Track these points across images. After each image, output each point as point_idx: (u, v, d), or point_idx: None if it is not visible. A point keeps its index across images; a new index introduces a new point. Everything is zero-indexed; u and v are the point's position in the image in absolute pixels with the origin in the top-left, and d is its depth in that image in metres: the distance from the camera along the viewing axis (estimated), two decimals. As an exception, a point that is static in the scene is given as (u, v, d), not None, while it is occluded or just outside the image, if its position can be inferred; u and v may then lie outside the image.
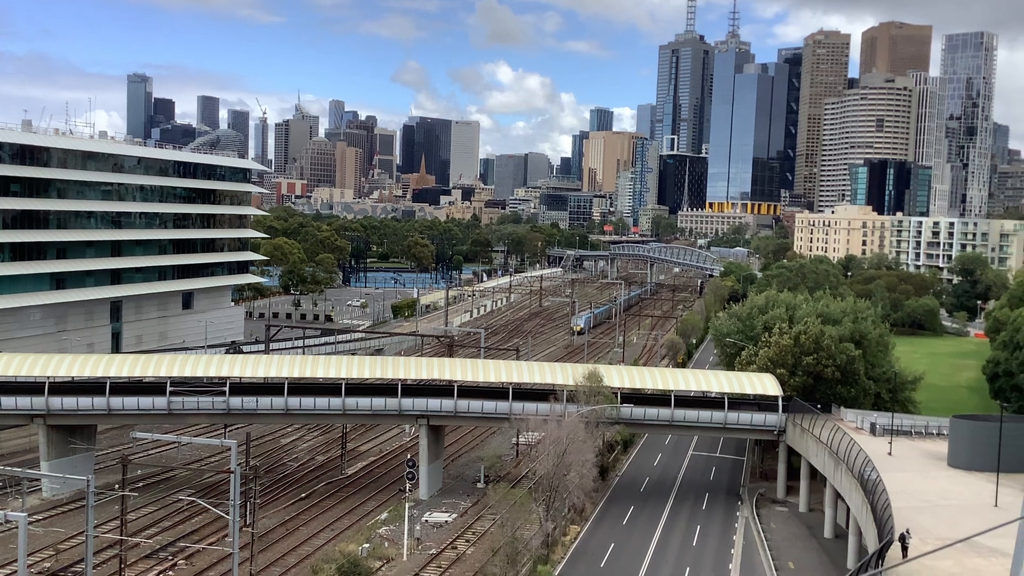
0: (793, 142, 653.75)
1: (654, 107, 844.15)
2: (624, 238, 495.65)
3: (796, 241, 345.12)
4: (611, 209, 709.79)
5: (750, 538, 69.55)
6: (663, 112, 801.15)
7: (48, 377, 74.97)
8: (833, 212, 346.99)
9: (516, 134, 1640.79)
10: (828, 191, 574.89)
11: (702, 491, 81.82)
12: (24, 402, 74.62)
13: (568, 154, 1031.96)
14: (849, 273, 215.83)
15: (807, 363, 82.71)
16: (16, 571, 49.14)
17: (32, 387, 75.09)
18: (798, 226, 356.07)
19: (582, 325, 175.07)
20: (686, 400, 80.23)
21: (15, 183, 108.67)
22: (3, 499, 70.09)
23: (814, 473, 74.48)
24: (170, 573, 61.10)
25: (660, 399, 79.81)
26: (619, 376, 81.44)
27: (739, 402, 79.78)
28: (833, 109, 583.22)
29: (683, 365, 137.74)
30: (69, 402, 75.05)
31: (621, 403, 77.81)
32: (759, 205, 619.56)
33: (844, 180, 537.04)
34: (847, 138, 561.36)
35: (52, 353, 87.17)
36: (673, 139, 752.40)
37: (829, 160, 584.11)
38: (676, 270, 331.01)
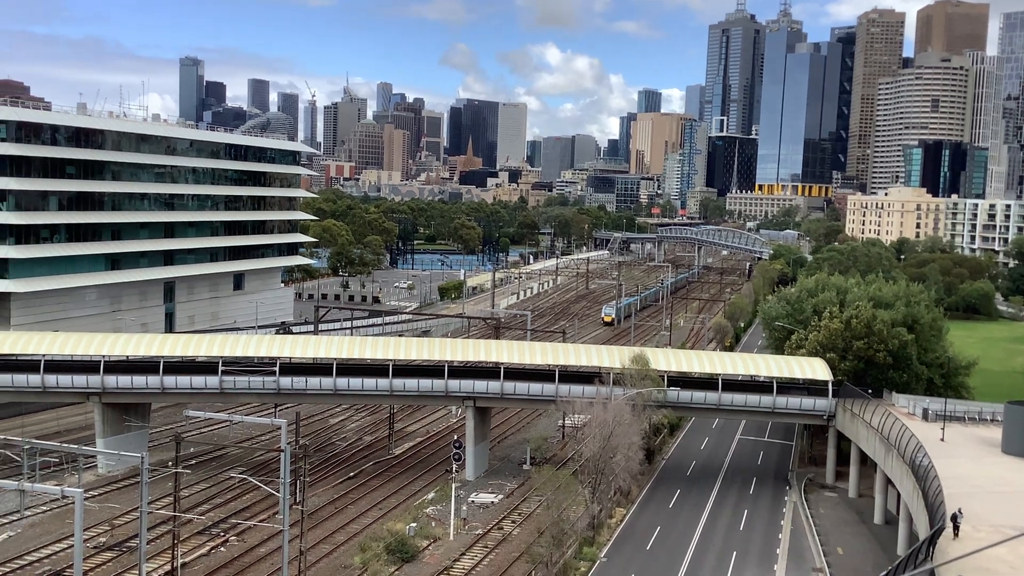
0: (846, 123, 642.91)
1: (703, 88, 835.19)
2: (671, 221, 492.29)
3: (848, 224, 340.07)
4: (659, 191, 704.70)
5: (798, 523, 69.03)
6: (713, 93, 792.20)
7: (103, 356, 76.54)
8: (886, 194, 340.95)
9: (564, 116, 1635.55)
10: (881, 173, 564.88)
11: (749, 475, 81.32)
12: (80, 380, 76.34)
13: (616, 136, 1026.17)
14: (902, 256, 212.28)
15: (858, 347, 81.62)
16: (73, 545, 50.44)
17: (88, 365, 76.74)
18: (850, 208, 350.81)
19: (613, 315, 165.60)
20: (734, 384, 79.66)
21: (71, 165, 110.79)
22: (60, 475, 71.82)
23: (864, 458, 73.62)
24: (222, 549, 62.27)
25: (707, 383, 79.33)
26: (666, 359, 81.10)
27: (788, 386, 79.00)
28: (887, 89, 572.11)
29: (731, 349, 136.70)
30: (124, 380, 76.62)
31: (668, 386, 77.47)
32: (810, 187, 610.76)
33: (898, 161, 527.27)
34: (901, 119, 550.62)
35: (107, 332, 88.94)
36: (722, 120, 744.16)
37: (883, 141, 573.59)
38: (724, 253, 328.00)
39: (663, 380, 77.20)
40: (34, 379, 75.95)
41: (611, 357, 79.69)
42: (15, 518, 65.35)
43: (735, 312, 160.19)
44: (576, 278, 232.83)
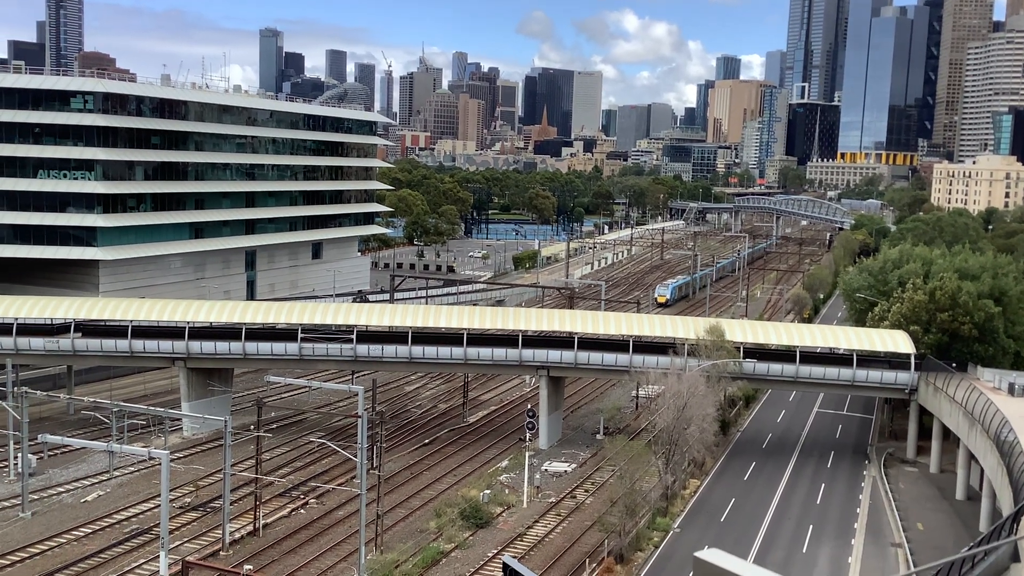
0: (932, 89, 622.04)
1: (784, 54, 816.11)
2: (749, 190, 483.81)
3: (934, 193, 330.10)
4: (736, 160, 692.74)
5: (877, 498, 67.92)
6: (793, 59, 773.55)
7: (188, 322, 78.69)
8: (974, 162, 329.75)
9: (640, 84, 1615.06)
10: (969, 140, 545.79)
11: (827, 449, 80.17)
12: (166, 345, 78.67)
13: (692, 104, 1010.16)
14: (990, 227, 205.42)
15: (942, 320, 79.54)
16: (159, 505, 52.28)
17: (173, 331, 78.99)
18: (936, 177, 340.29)
19: (668, 296, 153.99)
20: (812, 356, 78.40)
21: (156, 136, 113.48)
22: (147, 437, 74.30)
23: (947, 433, 71.97)
24: (301, 511, 63.83)
25: (784, 355, 78.20)
26: (742, 330, 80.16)
27: (868, 359, 77.47)
28: (976, 54, 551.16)
29: (809, 320, 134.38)
30: (208, 346, 78.71)
31: (744, 358, 76.62)
32: (894, 155, 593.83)
33: (987, 129, 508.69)
34: (991, 84, 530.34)
35: (191, 299, 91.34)
36: (803, 87, 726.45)
37: (971, 108, 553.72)
38: (803, 223, 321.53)
39: (739, 351, 76.36)
40: (122, 344, 78.50)
41: (686, 328, 79.06)
42: (104, 478, 67.91)
43: (814, 283, 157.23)
44: (651, 248, 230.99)
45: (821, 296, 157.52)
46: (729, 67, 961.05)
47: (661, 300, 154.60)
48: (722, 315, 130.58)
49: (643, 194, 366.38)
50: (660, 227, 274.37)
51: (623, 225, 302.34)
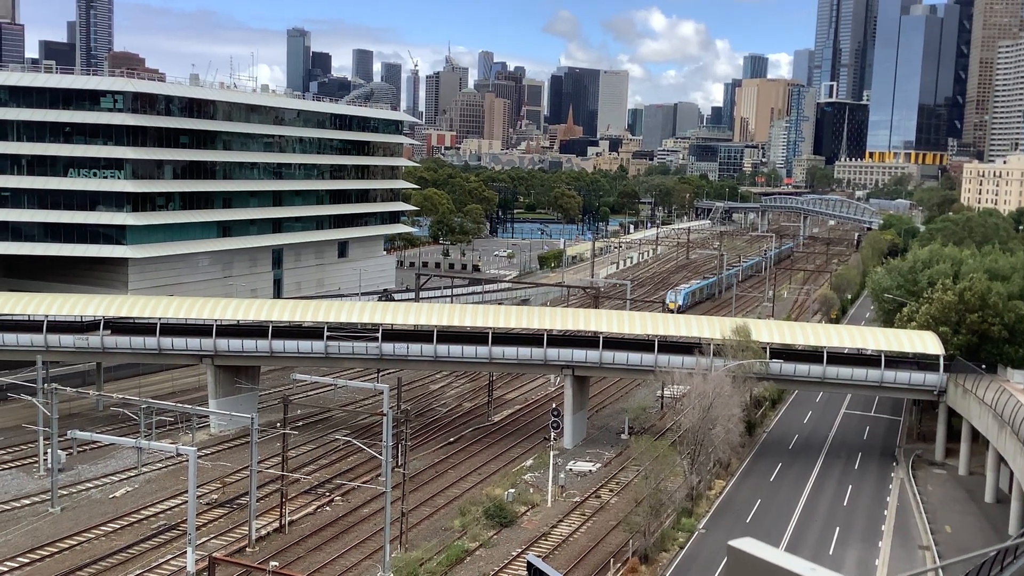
0: (963, 88, 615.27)
1: (812, 52, 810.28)
2: (776, 190, 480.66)
3: (963, 193, 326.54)
4: (763, 160, 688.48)
5: (905, 500, 67.32)
6: (822, 57, 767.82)
7: (216, 320, 79.27)
8: (1005, 162, 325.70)
9: (666, 83, 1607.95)
10: (1000, 140, 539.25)
11: (855, 450, 79.55)
12: (194, 343, 79.29)
13: (719, 103, 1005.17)
14: (1021, 227, 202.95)
15: (972, 321, 78.71)
16: (187, 501, 52.71)
17: (201, 329, 79.61)
18: (966, 177, 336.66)
19: (680, 302, 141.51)
20: (839, 357, 77.81)
21: (184, 135, 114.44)
22: (174, 434, 74.93)
23: (976, 435, 71.19)
24: (327, 508, 64.13)
25: (811, 355, 77.66)
26: (768, 331, 79.70)
27: (896, 360, 76.79)
28: (1008, 52, 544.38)
29: (837, 321, 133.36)
30: (235, 344, 79.27)
31: (770, 358, 76.17)
32: (923, 155, 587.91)
33: (1018, 128, 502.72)
34: (1022, 83, 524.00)
35: (219, 297, 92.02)
36: (832, 85, 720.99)
37: (1002, 107, 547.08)
38: (831, 223, 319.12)
39: (765, 352, 75.93)
40: (151, 341, 79.22)
41: (712, 328, 78.71)
42: (133, 474, 68.56)
43: (842, 283, 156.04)
44: (677, 248, 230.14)
45: (849, 296, 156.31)
46: (756, 66, 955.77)
47: (672, 307, 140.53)
48: (748, 315, 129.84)
49: (669, 193, 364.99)
50: (686, 227, 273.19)
51: (649, 225, 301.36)
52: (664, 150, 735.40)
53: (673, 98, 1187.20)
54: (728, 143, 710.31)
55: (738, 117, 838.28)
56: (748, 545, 5.40)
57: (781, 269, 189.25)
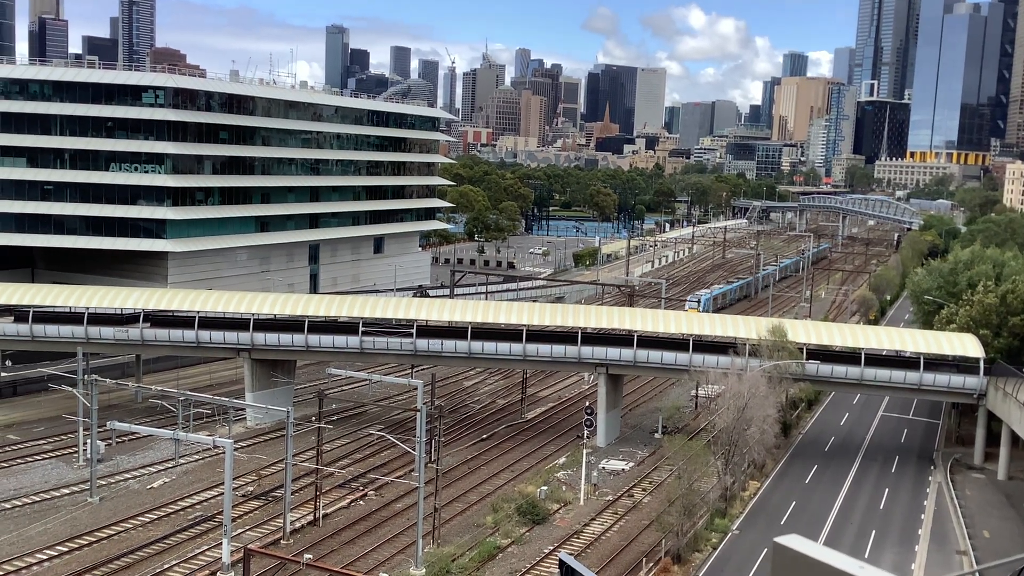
0: (1006, 87, 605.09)
1: (853, 50, 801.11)
2: (815, 189, 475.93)
3: (1006, 193, 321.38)
4: (802, 159, 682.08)
5: (942, 504, 66.46)
6: (862, 56, 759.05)
7: (253, 314, 80.00)
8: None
9: (704, 81, 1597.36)
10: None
11: (892, 453, 78.65)
12: (232, 337, 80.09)
13: (758, 102, 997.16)
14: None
15: (1014, 324, 77.52)
16: (223, 493, 53.29)
17: (239, 323, 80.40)
18: (1009, 177, 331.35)
19: (700, 309, 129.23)
20: (877, 359, 76.93)
21: (224, 131, 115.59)
22: (211, 426, 75.73)
23: (1016, 439, 70.10)
24: (360, 502, 64.56)
25: (849, 357, 76.87)
26: (805, 331, 79.01)
27: (936, 362, 75.80)
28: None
29: (875, 322, 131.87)
30: (271, 338, 79.96)
31: (807, 359, 75.51)
32: (965, 155, 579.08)
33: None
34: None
35: (256, 292, 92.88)
36: (872, 84, 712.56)
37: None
38: (870, 223, 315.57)
39: (801, 352, 75.28)
40: (189, 334, 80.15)
41: (747, 327, 78.17)
42: (170, 465, 69.43)
43: (880, 284, 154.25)
44: (712, 247, 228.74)
45: (888, 298, 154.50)
46: (796, 64, 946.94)
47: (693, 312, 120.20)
48: (785, 315, 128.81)
49: (706, 192, 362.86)
50: (722, 225, 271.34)
51: (684, 223, 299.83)
52: (701, 148, 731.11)
53: (711, 96, 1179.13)
54: (766, 142, 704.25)
55: (777, 115, 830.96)
56: (794, 542, 5.31)
57: (819, 269, 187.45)
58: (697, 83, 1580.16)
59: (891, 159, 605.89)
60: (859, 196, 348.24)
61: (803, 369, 75.08)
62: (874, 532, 60.38)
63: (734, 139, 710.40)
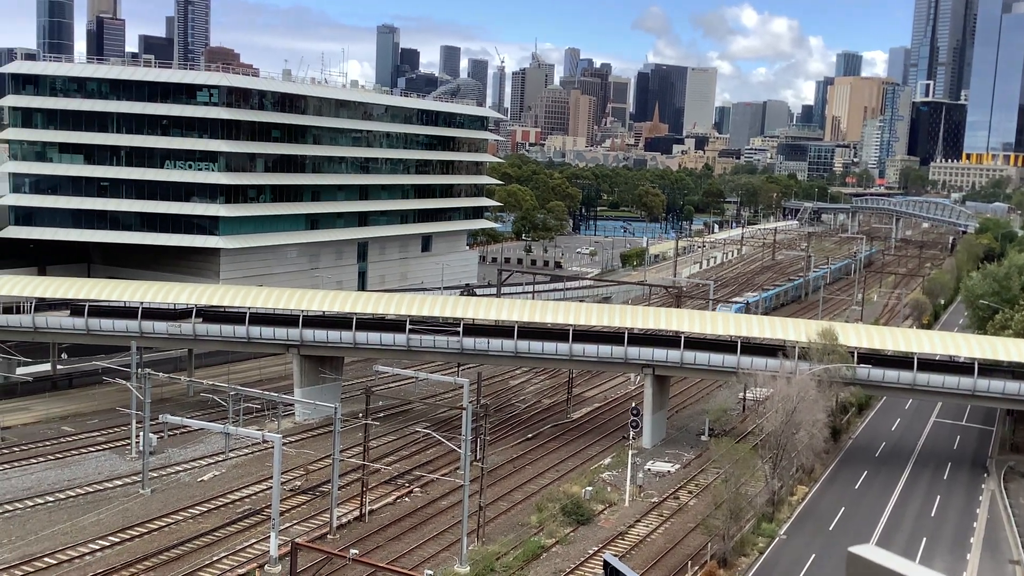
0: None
1: (908, 50, 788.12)
2: (868, 191, 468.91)
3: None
4: (855, 160, 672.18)
5: (995, 512, 65.14)
6: (918, 56, 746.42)
7: (302, 311, 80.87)
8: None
9: (756, 81, 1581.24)
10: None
11: (944, 460, 77.26)
12: (281, 333, 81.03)
13: (810, 102, 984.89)
14: None
15: (1072, 330, 75.69)
16: (271, 487, 53.94)
17: (288, 319, 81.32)
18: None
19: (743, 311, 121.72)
20: (931, 364, 75.60)
21: (276, 129, 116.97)
22: (261, 420, 76.70)
23: (1074, 450, 68.47)
24: (406, 499, 64.95)
25: (901, 361, 75.64)
26: (856, 335, 77.88)
27: (990, 368, 74.27)
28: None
29: (928, 327, 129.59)
30: (320, 335, 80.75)
31: (857, 363, 74.45)
32: (1023, 157, 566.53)
33: None
34: None
35: (305, 289, 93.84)
36: (928, 85, 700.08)
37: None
38: (925, 225, 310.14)
39: (852, 356, 74.23)
40: (240, 330, 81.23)
41: (797, 330, 77.27)
42: (220, 458, 70.44)
43: (934, 288, 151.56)
44: (762, 248, 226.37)
45: (942, 302, 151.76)
46: (850, 64, 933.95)
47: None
48: (836, 318, 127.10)
49: (756, 193, 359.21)
50: (772, 227, 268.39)
51: (734, 224, 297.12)
52: (751, 149, 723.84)
53: (762, 96, 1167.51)
54: (818, 142, 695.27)
55: (829, 116, 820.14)
56: (869, 552, 5.20)
57: (871, 272, 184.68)
58: (748, 83, 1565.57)
59: (946, 161, 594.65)
60: (913, 198, 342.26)
61: (854, 373, 74.04)
62: (925, 539, 59.37)
63: (785, 139, 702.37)
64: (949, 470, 74.61)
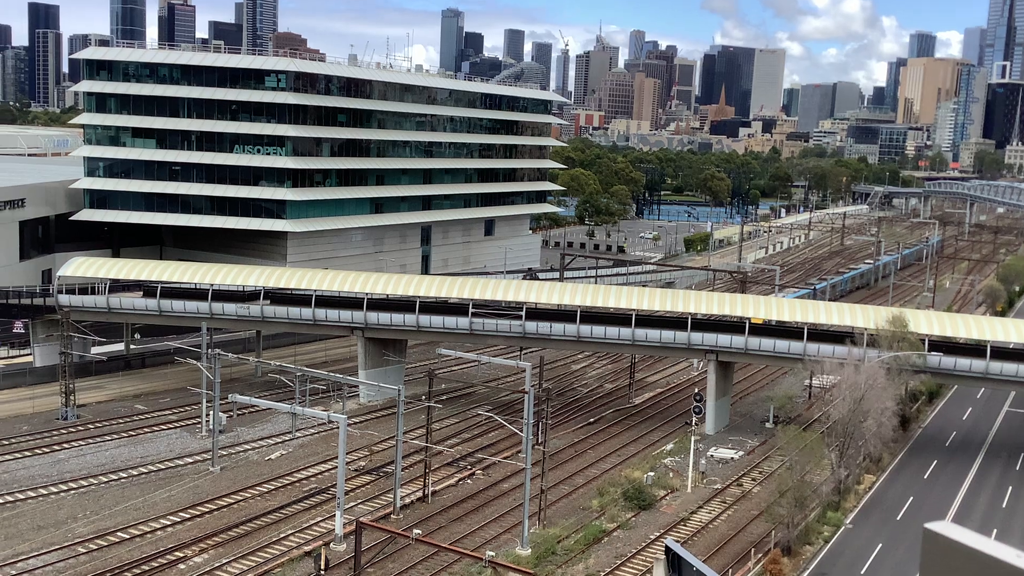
0: None
1: (984, 31, 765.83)
2: (941, 175, 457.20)
3: None
4: (927, 143, 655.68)
5: (1071, 507, 63.35)
6: (994, 36, 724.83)
7: (367, 293, 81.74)
8: None
9: (826, 62, 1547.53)
10: None
11: (1016, 451, 75.28)
12: (346, 315, 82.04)
13: (882, 84, 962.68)
14: None
15: None
16: (336, 467, 54.81)
17: (353, 302, 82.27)
18: None
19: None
20: (1004, 352, 73.60)
21: (342, 114, 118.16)
22: (326, 401, 77.86)
23: None
24: (468, 481, 65.45)
25: (973, 349, 73.80)
26: (927, 322, 76.18)
27: (1068, 358, 72.05)
28: None
29: (1002, 314, 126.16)
30: (384, 317, 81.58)
31: (928, 351, 72.83)
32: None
33: None
34: None
35: (370, 272, 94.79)
36: (1004, 66, 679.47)
37: None
38: (1000, 210, 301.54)
39: (923, 344, 72.65)
40: (306, 312, 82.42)
41: (865, 317, 75.84)
42: (287, 438, 71.75)
43: (1009, 275, 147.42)
44: (830, 233, 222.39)
45: (1017, 289, 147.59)
46: (924, 44, 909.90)
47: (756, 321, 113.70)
48: (906, 305, 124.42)
49: (824, 177, 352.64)
50: (841, 211, 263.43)
51: (801, 209, 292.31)
52: (820, 131, 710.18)
53: (833, 77, 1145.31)
54: (890, 125, 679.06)
55: (902, 98, 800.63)
56: (946, 528, 5.06)
57: (943, 258, 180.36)
58: (818, 64, 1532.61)
59: (1023, 144, 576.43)
60: (988, 182, 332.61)
61: (924, 361, 72.47)
62: (996, 531, 58.02)
63: (856, 122, 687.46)
64: (1022, 461, 72.72)
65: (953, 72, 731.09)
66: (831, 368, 69.77)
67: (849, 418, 60.15)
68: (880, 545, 55.02)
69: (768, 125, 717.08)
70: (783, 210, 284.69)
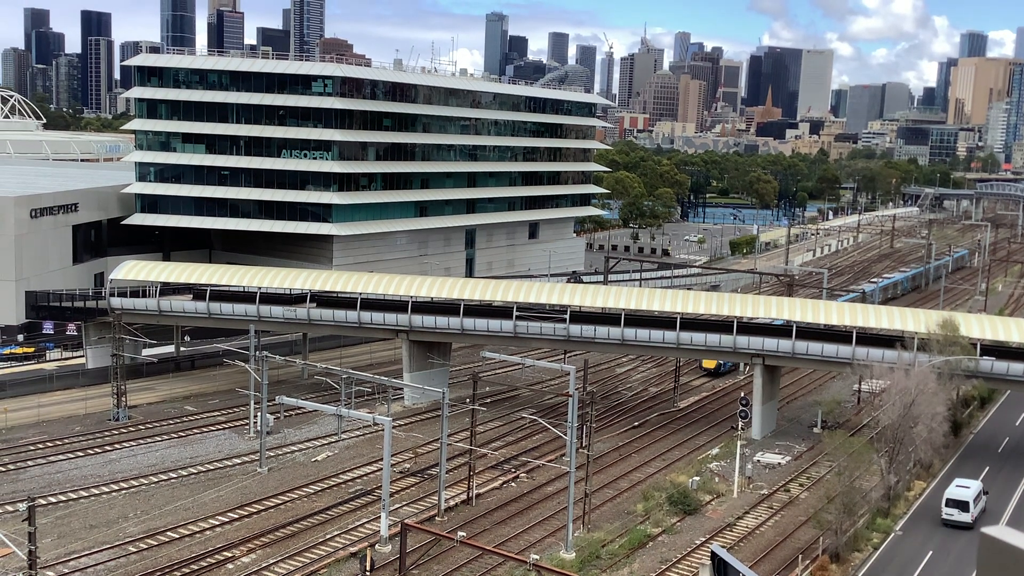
0: None
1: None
2: (993, 176, 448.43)
3: None
4: (979, 144, 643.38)
5: None
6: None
7: (411, 296, 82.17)
8: None
9: (876, 63, 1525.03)
10: None
11: (1073, 459, 73.57)
12: (391, 318, 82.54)
13: (932, 84, 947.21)
14: None
15: None
16: (382, 468, 55.17)
17: (398, 305, 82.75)
18: None
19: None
20: (1059, 357, 72.00)
21: (387, 118, 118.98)
22: (372, 404, 78.38)
23: None
24: (512, 484, 65.49)
25: (1028, 354, 72.25)
26: (979, 326, 74.75)
27: None
28: None
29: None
30: (428, 320, 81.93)
31: (980, 355, 71.45)
32: None
33: None
34: None
35: (414, 275, 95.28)
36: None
37: None
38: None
39: (975, 348, 71.29)
40: (352, 315, 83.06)
41: (916, 321, 74.65)
42: (333, 440, 72.35)
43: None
44: (879, 236, 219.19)
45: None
46: (975, 44, 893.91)
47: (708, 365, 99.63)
48: (957, 309, 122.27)
49: (873, 179, 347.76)
50: (891, 214, 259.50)
51: (849, 211, 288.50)
52: (869, 133, 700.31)
53: (882, 78, 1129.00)
54: (941, 126, 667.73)
55: (952, 98, 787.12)
56: (1005, 533, 4.98)
57: (996, 261, 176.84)
58: (867, 64, 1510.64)
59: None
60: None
61: (976, 365, 71.09)
62: (1052, 541, 56.77)
63: (906, 123, 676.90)
64: (1079, 469, 71.02)
65: (1005, 72, 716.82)
66: (880, 372, 68.72)
67: (899, 423, 59.23)
68: (931, 553, 54.09)
69: (816, 126, 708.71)
70: (831, 212, 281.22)
